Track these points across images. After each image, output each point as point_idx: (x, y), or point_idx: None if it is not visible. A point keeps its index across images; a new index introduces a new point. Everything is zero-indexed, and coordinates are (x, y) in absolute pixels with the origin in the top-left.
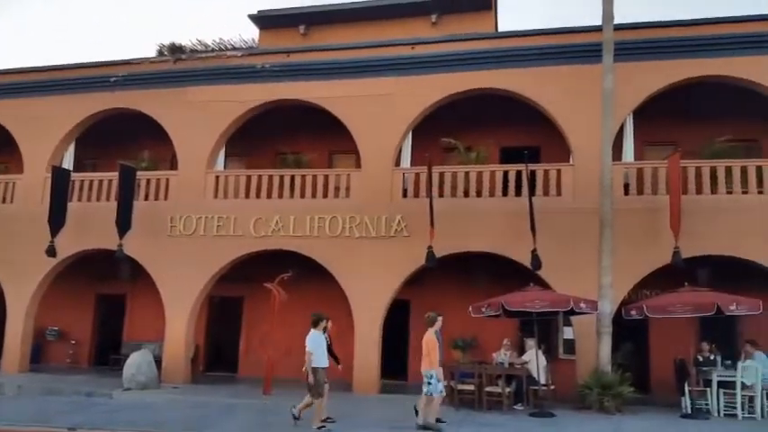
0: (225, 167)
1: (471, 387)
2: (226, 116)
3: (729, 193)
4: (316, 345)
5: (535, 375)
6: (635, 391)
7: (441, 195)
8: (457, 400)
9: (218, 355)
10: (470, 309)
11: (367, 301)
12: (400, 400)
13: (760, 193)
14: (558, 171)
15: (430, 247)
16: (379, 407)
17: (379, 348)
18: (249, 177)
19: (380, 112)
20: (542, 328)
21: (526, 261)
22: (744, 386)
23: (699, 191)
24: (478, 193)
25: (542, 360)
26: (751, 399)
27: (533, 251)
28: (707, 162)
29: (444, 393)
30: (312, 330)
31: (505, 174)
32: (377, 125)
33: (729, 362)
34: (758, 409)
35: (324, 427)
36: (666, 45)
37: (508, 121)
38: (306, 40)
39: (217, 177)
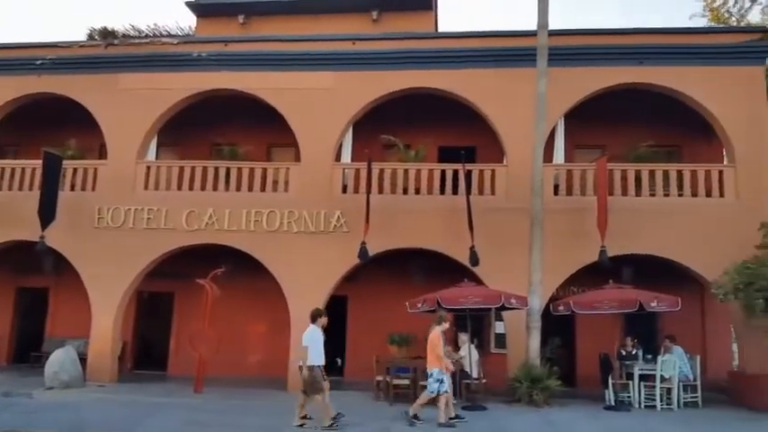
0: (157, 158)
1: (407, 381)
2: (159, 105)
3: (652, 195)
4: (313, 340)
5: (468, 369)
6: (562, 384)
7: (380, 192)
8: (392, 395)
9: (147, 352)
10: (407, 304)
11: (304, 298)
12: (333, 397)
13: (680, 195)
14: (493, 171)
15: (363, 243)
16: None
17: None
18: (182, 168)
19: (320, 106)
20: (476, 322)
21: (463, 258)
22: (662, 379)
23: (624, 193)
24: (417, 191)
25: (475, 354)
26: (669, 391)
27: (471, 248)
28: (632, 165)
29: (449, 391)
30: (311, 325)
31: (443, 172)
32: (317, 119)
33: (650, 356)
34: (675, 401)
35: (335, 423)
36: (598, 52)
37: (446, 120)
38: (245, 30)
39: (148, 168)
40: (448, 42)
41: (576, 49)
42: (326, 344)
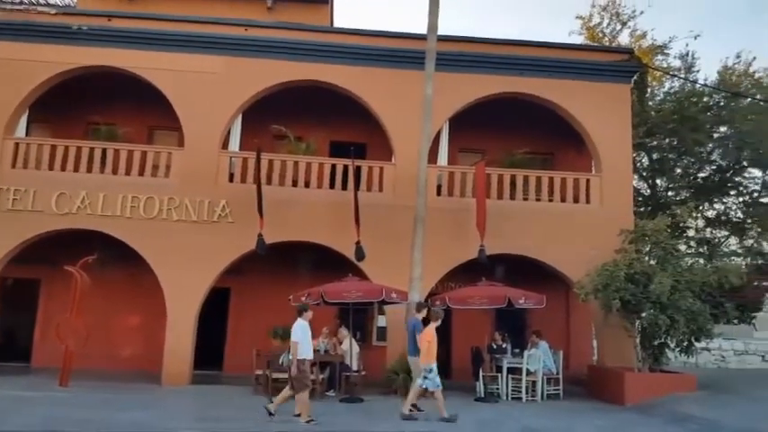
0: (27, 134)
1: (287, 375)
2: (31, 78)
3: (525, 199)
4: (303, 335)
5: (348, 362)
6: None
7: (269, 183)
8: (271, 389)
9: (9, 342)
10: (291, 298)
11: (182, 289)
12: (211, 392)
13: (550, 201)
14: (381, 168)
15: (260, 234)
16: (187, 398)
17: (192, 338)
18: (54, 147)
19: (208, 90)
20: (360, 316)
21: (349, 252)
22: (528, 372)
23: (500, 196)
24: (307, 184)
25: (356, 347)
26: (534, 383)
27: (357, 243)
28: (508, 170)
29: (441, 386)
30: (298, 320)
31: (333, 167)
32: (204, 104)
33: (518, 350)
34: (539, 393)
35: (313, 420)
36: (483, 60)
37: (339, 115)
38: (132, 7)
39: (16, 145)
40: (342, 38)
41: (463, 56)
42: (208, 337)
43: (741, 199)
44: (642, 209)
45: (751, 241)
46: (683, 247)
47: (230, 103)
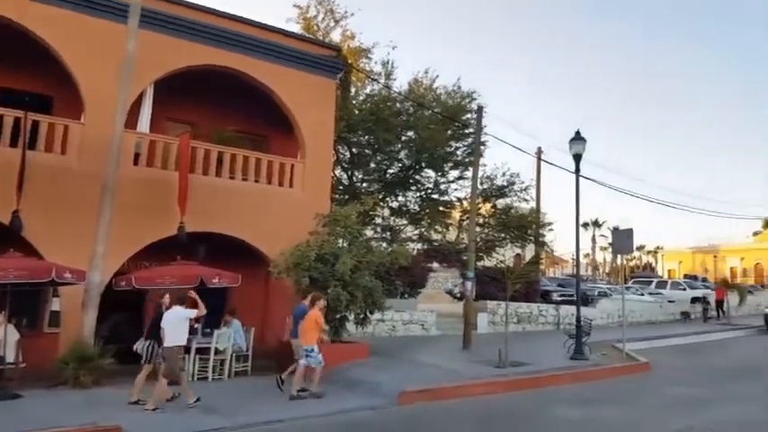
0: None
1: None
2: None
3: (232, 178)
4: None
5: (2, 353)
6: (116, 362)
7: None
8: None
9: None
10: None
11: None
12: None
13: (257, 182)
14: (66, 127)
15: None
16: None
17: None
18: None
19: None
20: (32, 299)
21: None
22: (217, 351)
23: (205, 172)
24: None
25: (14, 335)
26: (222, 362)
27: (15, 211)
28: (216, 146)
29: (323, 363)
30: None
31: (0, 118)
32: None
33: (208, 330)
34: (226, 371)
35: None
36: (197, 28)
37: (15, 58)
38: None
39: None
40: None
41: (176, 19)
42: None
43: (418, 194)
44: (341, 197)
45: (422, 230)
46: (370, 233)
47: None
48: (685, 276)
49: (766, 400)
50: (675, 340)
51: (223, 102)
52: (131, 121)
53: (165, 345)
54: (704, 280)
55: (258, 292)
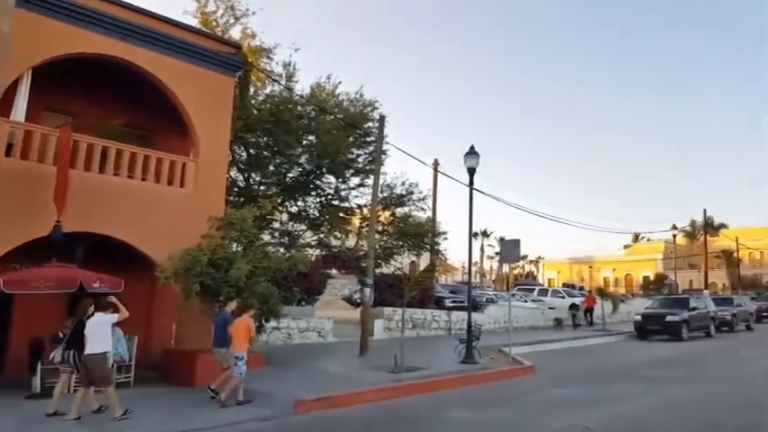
0: None
1: None
2: None
3: (116, 175)
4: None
5: None
6: None
7: None
8: None
9: None
10: None
11: None
12: None
13: (144, 180)
14: None
15: None
16: None
17: None
18: None
19: None
20: None
21: None
22: None
23: (87, 168)
24: None
25: None
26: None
27: None
28: (100, 141)
29: (243, 376)
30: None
31: None
32: None
33: None
34: None
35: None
36: (84, 13)
37: None
38: None
39: None
40: None
41: (59, 1)
42: None
43: (318, 199)
44: (237, 199)
45: (322, 235)
46: (267, 237)
47: None
48: (564, 285)
49: (639, 399)
50: (557, 345)
51: (109, 94)
52: (5, 108)
53: (90, 352)
54: (581, 288)
55: (143, 299)
